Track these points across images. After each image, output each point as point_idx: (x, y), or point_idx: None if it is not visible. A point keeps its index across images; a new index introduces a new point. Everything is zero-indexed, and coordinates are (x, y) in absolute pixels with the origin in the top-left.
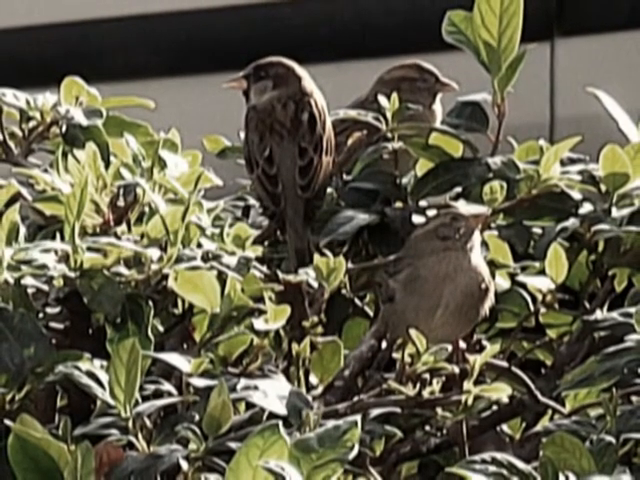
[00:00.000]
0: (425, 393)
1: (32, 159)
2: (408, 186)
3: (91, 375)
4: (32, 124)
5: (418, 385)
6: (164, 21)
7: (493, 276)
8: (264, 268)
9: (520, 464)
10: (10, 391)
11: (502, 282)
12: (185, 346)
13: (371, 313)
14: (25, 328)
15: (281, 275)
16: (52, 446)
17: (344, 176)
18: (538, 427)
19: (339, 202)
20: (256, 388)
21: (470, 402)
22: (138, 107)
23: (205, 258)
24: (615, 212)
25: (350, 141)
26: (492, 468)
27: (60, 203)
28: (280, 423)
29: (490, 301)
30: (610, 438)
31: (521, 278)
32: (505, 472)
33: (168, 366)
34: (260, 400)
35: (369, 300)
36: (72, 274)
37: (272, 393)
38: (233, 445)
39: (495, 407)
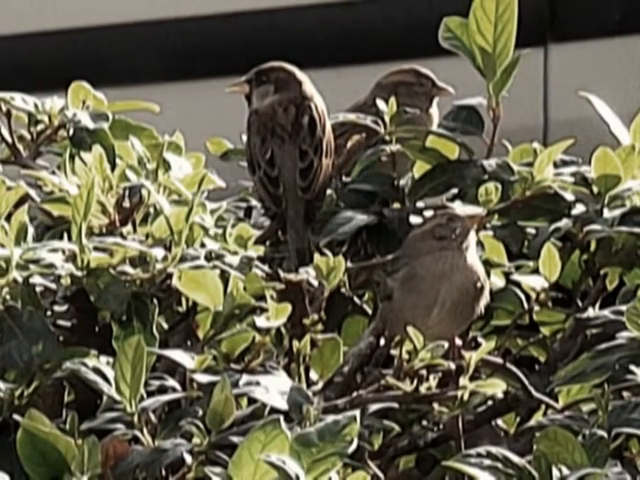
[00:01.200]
0: (422, 389)
1: (40, 161)
2: (406, 187)
3: (97, 371)
4: (40, 127)
5: (415, 381)
6: (168, 27)
7: (488, 275)
8: (266, 267)
9: (514, 458)
10: (19, 387)
11: (497, 281)
12: (189, 343)
13: (370, 311)
14: (33, 326)
15: (282, 274)
16: (60, 440)
17: (343, 178)
18: (532, 422)
19: (338, 203)
20: (258, 384)
21: (466, 397)
22: (143, 111)
23: (208, 257)
24: (607, 213)
25: (349, 144)
26: (487, 462)
27: (67, 204)
28: (281, 418)
29: (485, 299)
30: (602, 432)
31: (515, 277)
32: (500, 466)
33: (172, 362)
34: (262, 395)
35: (368, 298)
36: (79, 273)
37: (273, 389)
38: (235, 439)
39: (490, 402)
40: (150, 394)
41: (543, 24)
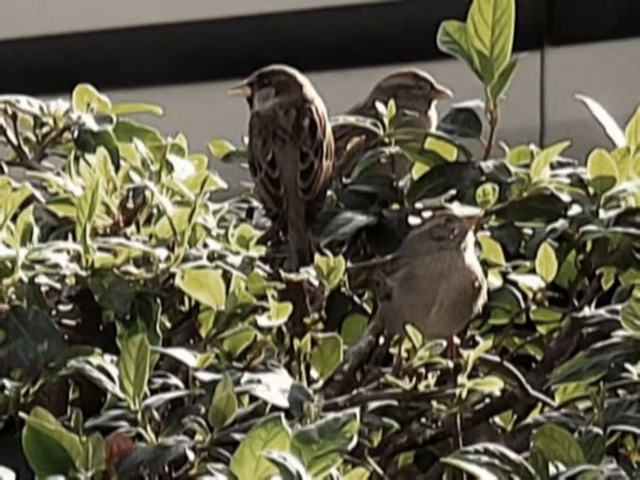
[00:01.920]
0: (421, 387)
1: (45, 163)
2: (404, 189)
3: (102, 369)
4: (45, 130)
5: (414, 379)
6: (171, 31)
7: (486, 275)
8: (267, 267)
9: (512, 454)
10: (24, 385)
11: (494, 280)
12: (191, 342)
13: (369, 310)
14: (39, 325)
15: (283, 274)
16: (64, 437)
17: (343, 179)
18: (529, 419)
19: (339, 204)
20: (259, 382)
21: (464, 395)
22: (146, 113)
23: (211, 258)
24: (602, 214)
25: (349, 146)
26: (485, 458)
27: (72, 205)
28: (282, 415)
29: (483, 299)
30: (598, 430)
31: (513, 277)
32: (497, 462)
33: (175, 361)
34: (263, 393)
35: (367, 298)
36: (83, 273)
37: (274, 387)
38: (237, 436)
39: (488, 400)
40: (153, 392)
41: (540, 28)
